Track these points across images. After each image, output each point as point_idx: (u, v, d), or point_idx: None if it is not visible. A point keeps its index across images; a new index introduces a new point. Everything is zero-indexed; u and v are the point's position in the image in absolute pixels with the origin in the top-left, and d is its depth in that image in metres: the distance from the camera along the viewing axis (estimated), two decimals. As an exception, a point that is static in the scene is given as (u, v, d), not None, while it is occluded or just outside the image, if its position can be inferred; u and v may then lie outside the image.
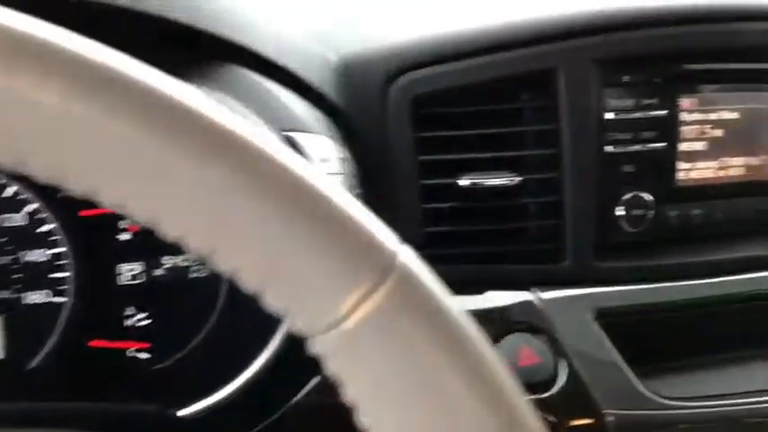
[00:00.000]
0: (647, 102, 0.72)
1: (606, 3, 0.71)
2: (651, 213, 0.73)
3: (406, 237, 0.67)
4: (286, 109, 0.54)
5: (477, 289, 0.69)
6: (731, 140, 0.76)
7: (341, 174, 0.56)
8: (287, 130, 0.52)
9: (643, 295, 0.71)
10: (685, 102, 0.74)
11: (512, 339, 0.65)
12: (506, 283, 0.70)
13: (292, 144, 0.52)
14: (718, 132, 0.76)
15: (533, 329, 0.66)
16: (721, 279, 0.73)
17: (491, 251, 0.70)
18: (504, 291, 0.69)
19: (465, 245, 0.69)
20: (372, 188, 0.66)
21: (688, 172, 0.75)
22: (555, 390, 0.63)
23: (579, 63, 0.69)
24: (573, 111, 0.69)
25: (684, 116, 0.74)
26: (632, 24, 0.70)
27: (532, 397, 0.63)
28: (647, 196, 0.72)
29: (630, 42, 0.70)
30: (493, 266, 0.70)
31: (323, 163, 0.54)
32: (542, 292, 0.69)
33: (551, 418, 0.62)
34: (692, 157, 0.75)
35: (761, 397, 0.66)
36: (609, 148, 0.72)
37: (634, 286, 0.71)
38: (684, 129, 0.74)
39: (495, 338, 0.65)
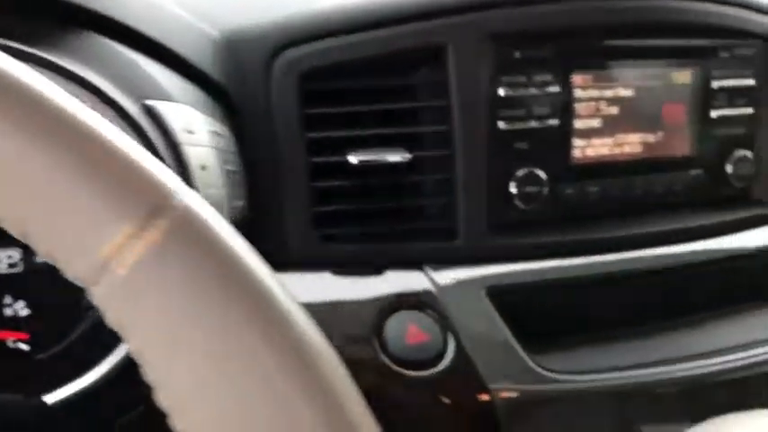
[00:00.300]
0: (540, 78, 0.72)
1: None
2: (546, 191, 0.73)
3: (295, 216, 0.66)
4: (147, 78, 0.52)
5: (370, 268, 0.68)
6: (627, 118, 0.76)
7: (211, 147, 0.54)
8: (146, 99, 0.50)
9: (537, 272, 0.71)
10: (579, 78, 0.74)
11: (400, 317, 0.64)
12: (400, 261, 0.69)
13: (152, 113, 0.50)
14: (614, 110, 0.76)
15: (424, 307, 0.66)
16: (615, 256, 0.74)
17: (383, 230, 0.69)
18: (396, 269, 0.68)
19: (356, 224, 0.68)
20: (258, 166, 0.65)
21: (583, 149, 0.75)
22: (441, 367, 0.62)
23: (470, 38, 0.68)
24: (464, 87, 0.68)
25: (579, 93, 0.74)
26: (518, 0, 0.69)
27: (419, 374, 0.62)
28: (542, 173, 0.72)
29: (522, 18, 0.70)
30: (385, 245, 0.69)
31: (187, 134, 0.52)
32: (435, 269, 0.69)
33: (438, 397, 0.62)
34: (587, 134, 0.75)
35: (647, 369, 0.66)
36: (502, 125, 0.71)
37: (528, 263, 0.71)
38: (579, 106, 0.74)
39: (384, 316, 0.64)
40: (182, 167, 0.52)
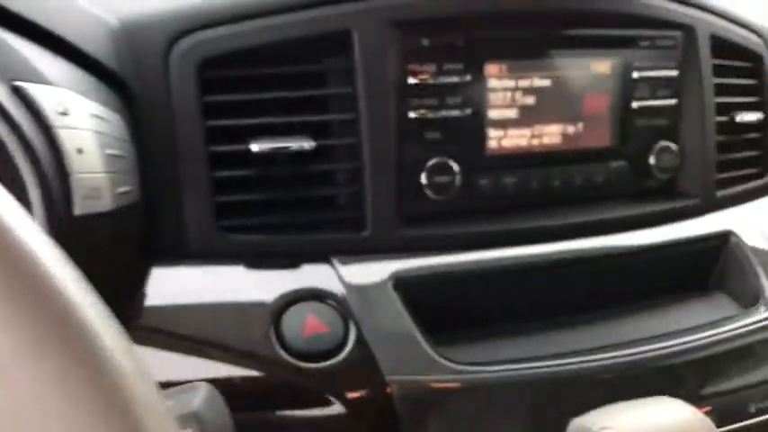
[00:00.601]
0: (451, 67, 0.71)
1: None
2: (458, 181, 0.71)
3: (195, 207, 0.65)
4: (19, 59, 0.51)
5: (272, 259, 0.66)
6: (545, 108, 0.75)
7: (90, 130, 0.53)
8: (15, 80, 0.49)
9: (448, 264, 0.69)
10: (493, 68, 0.73)
11: (300, 308, 0.63)
12: (306, 253, 0.67)
13: (20, 94, 0.49)
14: (530, 100, 0.75)
15: (325, 298, 0.64)
16: (529, 248, 0.73)
17: (289, 220, 0.68)
18: (302, 260, 0.66)
19: (260, 214, 0.67)
20: (157, 155, 0.63)
21: (499, 140, 0.74)
22: (339, 358, 0.61)
23: (374, 25, 0.67)
24: (370, 74, 0.67)
25: (493, 83, 0.73)
26: None
27: (315, 365, 0.60)
28: (454, 164, 0.71)
29: (428, 5, 0.69)
30: (291, 236, 0.67)
31: (60, 116, 0.50)
32: (342, 261, 0.67)
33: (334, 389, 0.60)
34: (502, 124, 0.74)
35: (550, 361, 0.65)
36: (412, 114, 0.70)
37: (439, 255, 0.70)
38: (493, 96, 0.73)
39: (283, 308, 0.62)
40: (54, 150, 0.50)
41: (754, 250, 0.83)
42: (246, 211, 0.67)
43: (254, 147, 0.65)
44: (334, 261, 0.67)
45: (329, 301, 0.64)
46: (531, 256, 0.73)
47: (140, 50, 0.63)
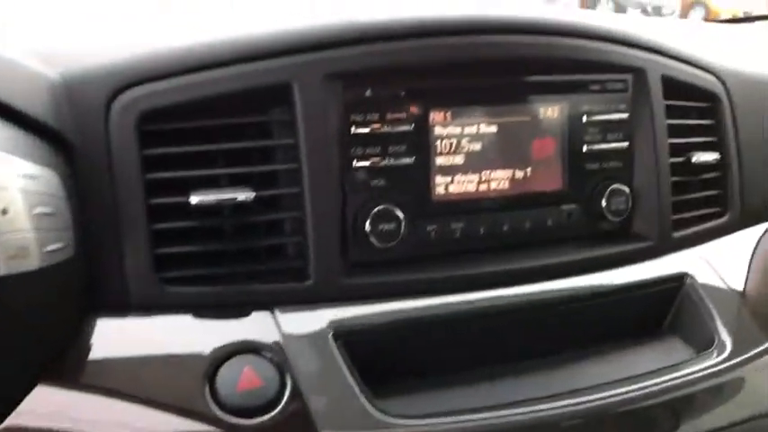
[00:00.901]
0: (394, 116, 0.71)
1: (343, 16, 0.71)
2: (404, 228, 0.71)
3: (134, 259, 0.65)
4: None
5: (212, 311, 0.66)
6: (492, 154, 0.76)
7: (17, 189, 0.53)
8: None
9: (392, 313, 0.69)
10: (437, 115, 0.73)
11: (235, 362, 0.62)
12: (248, 304, 0.67)
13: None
14: (477, 146, 0.75)
15: (263, 351, 0.64)
16: (476, 294, 0.72)
17: (231, 271, 0.68)
18: (243, 312, 0.66)
19: (203, 265, 0.67)
20: (96, 208, 0.64)
21: (446, 186, 0.74)
22: (273, 413, 0.61)
23: (314, 77, 0.67)
24: (311, 126, 0.68)
25: (438, 130, 0.73)
26: (365, 38, 0.69)
27: (247, 422, 0.60)
28: (399, 212, 0.71)
29: (367, 56, 0.69)
30: (233, 287, 0.67)
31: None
32: (283, 312, 0.67)
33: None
34: (449, 171, 0.74)
35: (496, 411, 0.64)
36: (356, 163, 0.70)
37: (384, 304, 0.70)
38: (439, 143, 0.73)
39: (219, 362, 0.62)
40: None
41: (711, 292, 0.82)
42: (189, 262, 0.67)
43: (194, 199, 0.65)
44: (276, 312, 0.67)
45: (267, 354, 0.64)
46: (478, 303, 0.72)
47: (81, 105, 0.64)
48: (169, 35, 0.72)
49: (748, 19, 1.77)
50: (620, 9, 9.34)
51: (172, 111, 0.66)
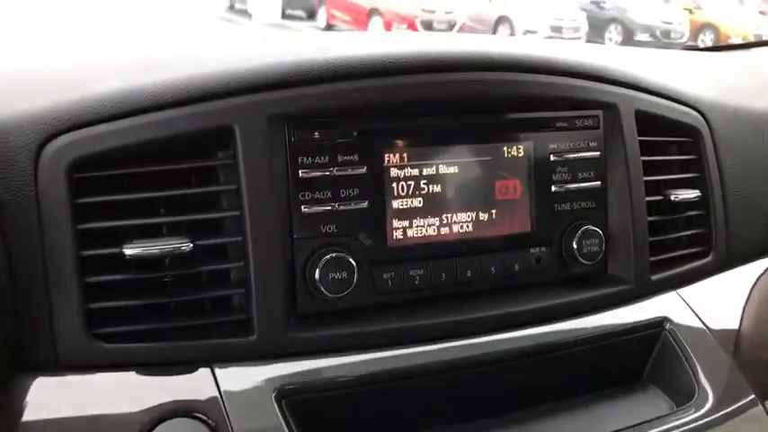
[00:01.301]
0: (345, 158, 0.67)
1: (287, 56, 0.67)
2: (357, 277, 0.67)
3: (65, 315, 0.61)
4: None
5: (153, 369, 0.62)
6: (453, 195, 0.72)
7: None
8: None
9: (338, 366, 0.65)
10: (392, 157, 0.69)
11: (171, 425, 0.58)
12: (189, 361, 0.63)
13: None
14: (436, 188, 0.71)
15: (200, 413, 0.60)
16: (435, 346, 0.68)
17: (170, 326, 0.64)
18: (180, 370, 0.62)
19: (139, 320, 0.63)
20: (24, 261, 0.60)
21: (404, 230, 0.70)
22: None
23: (256, 120, 0.64)
24: (253, 169, 0.64)
25: (394, 172, 0.70)
26: (311, 79, 0.65)
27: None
28: (351, 259, 0.67)
29: (309, 98, 0.65)
30: (172, 343, 0.63)
31: None
32: (225, 368, 0.63)
33: None
34: (406, 214, 0.70)
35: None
36: (304, 209, 0.66)
37: (334, 358, 0.65)
38: (395, 185, 0.70)
39: (152, 426, 0.58)
40: None
41: (692, 338, 0.77)
42: (124, 317, 0.63)
43: (128, 251, 0.61)
44: (216, 369, 0.63)
45: (204, 416, 0.60)
46: (439, 355, 0.68)
47: (8, 154, 0.61)
48: (103, 75, 0.69)
49: (753, 45, 1.73)
50: (628, 34, 9.35)
51: (106, 157, 0.62)
